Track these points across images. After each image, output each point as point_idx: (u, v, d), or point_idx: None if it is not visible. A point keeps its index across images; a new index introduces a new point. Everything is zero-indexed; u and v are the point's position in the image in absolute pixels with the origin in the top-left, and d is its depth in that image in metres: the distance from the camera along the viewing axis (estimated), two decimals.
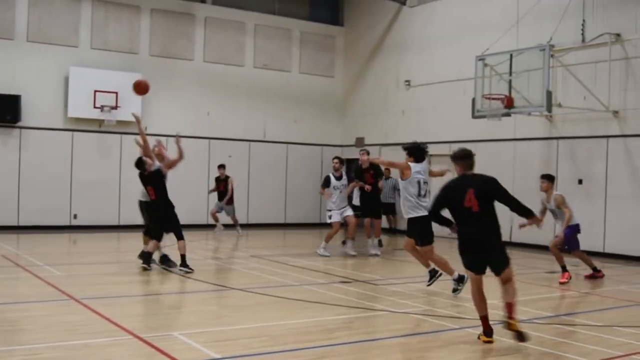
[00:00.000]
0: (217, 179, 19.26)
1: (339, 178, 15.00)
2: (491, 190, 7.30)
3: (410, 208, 10.28)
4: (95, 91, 19.52)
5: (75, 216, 19.28)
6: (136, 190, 12.37)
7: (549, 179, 12.02)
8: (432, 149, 19.95)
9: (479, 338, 7.25)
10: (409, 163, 10.47)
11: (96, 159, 19.95)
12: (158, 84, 20.60)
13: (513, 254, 15.06)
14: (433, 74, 20.32)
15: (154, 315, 8.79)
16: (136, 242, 13.54)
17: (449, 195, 7.42)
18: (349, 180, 15.65)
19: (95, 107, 19.53)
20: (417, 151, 10.66)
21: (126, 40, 20.62)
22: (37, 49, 19.25)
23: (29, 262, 12.66)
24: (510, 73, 15.83)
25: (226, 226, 19.24)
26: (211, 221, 19.57)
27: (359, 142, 23.05)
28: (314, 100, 23.65)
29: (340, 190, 14.94)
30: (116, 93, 19.68)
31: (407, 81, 21.30)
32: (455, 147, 8.03)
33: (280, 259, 14.19)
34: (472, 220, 7.19)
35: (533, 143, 17.65)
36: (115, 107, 19.65)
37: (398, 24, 22.08)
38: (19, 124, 18.83)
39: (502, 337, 7.18)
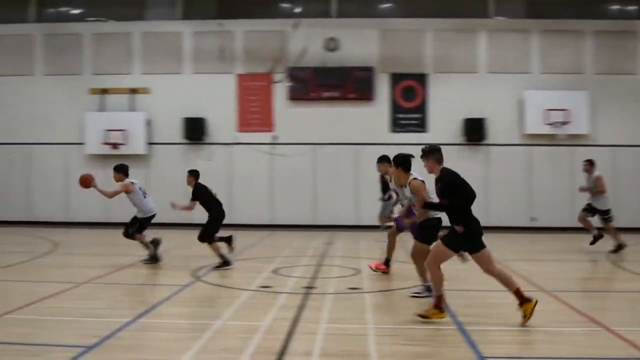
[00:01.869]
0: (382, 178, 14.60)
1: None
2: None
3: None
4: (547, 110, 19.34)
5: (533, 219, 19.24)
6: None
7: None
8: None
9: None
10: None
11: (549, 169, 19.73)
12: (603, 99, 19.66)
13: None
14: None
15: (625, 310, 8.25)
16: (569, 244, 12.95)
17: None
18: None
19: (546, 124, 19.35)
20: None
21: (571, 62, 19.99)
22: (496, 78, 19.83)
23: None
24: None
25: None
26: None
27: None
28: None
29: None
30: (565, 110, 19.26)
31: None
32: None
33: None
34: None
35: None
36: (565, 123, 19.24)
37: None
38: (485, 142, 19.65)
39: None
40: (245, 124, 20.35)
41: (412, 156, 8.74)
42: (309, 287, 9.29)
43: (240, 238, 16.01)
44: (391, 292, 9.09)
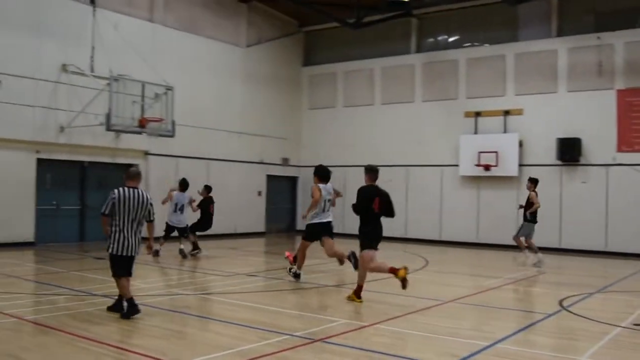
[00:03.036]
0: None
1: None
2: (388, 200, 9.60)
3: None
4: None
5: None
6: None
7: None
8: None
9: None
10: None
11: None
12: None
13: None
14: None
15: None
16: None
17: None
18: None
19: None
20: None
21: None
22: None
23: None
24: None
25: None
26: None
27: None
28: None
29: None
30: None
31: None
32: None
33: None
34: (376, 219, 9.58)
35: None
36: None
37: None
38: None
39: None
40: (626, 144, 18.80)
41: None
42: None
43: (615, 268, 14.84)
44: None
